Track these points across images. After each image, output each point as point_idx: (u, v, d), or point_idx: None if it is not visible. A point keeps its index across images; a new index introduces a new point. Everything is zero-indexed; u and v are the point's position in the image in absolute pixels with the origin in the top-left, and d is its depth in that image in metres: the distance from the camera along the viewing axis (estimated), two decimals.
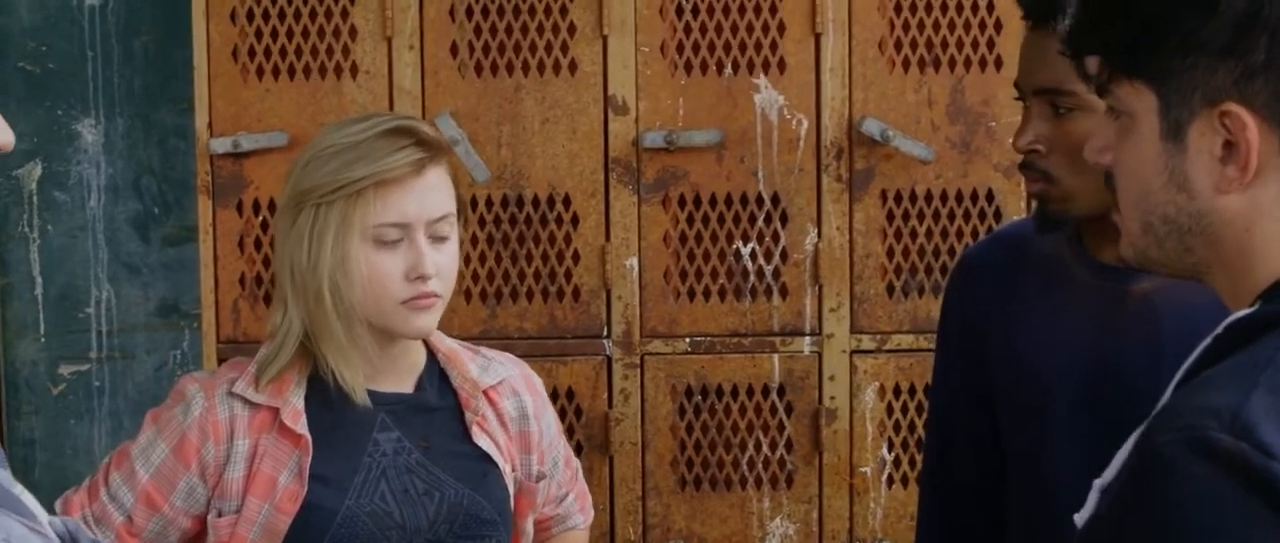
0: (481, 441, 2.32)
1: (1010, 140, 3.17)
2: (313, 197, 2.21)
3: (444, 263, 2.23)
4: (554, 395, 3.24)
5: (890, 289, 3.25)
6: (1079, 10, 1.47)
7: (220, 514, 2.24)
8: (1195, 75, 1.34)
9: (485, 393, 2.35)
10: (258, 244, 3.22)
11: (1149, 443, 1.29)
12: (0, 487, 1.15)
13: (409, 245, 2.21)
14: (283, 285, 2.27)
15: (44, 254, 3.70)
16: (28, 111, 3.66)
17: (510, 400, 2.37)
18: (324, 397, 2.26)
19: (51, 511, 2.29)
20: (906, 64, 3.21)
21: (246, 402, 2.25)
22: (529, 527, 2.40)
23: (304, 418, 2.24)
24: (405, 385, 2.33)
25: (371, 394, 2.28)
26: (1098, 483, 1.44)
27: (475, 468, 2.31)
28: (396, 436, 2.29)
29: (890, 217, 3.23)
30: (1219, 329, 1.38)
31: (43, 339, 3.73)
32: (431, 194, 2.23)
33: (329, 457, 2.25)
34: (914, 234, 3.24)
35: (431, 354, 2.36)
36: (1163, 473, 1.26)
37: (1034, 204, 2.25)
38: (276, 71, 3.20)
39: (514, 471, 2.36)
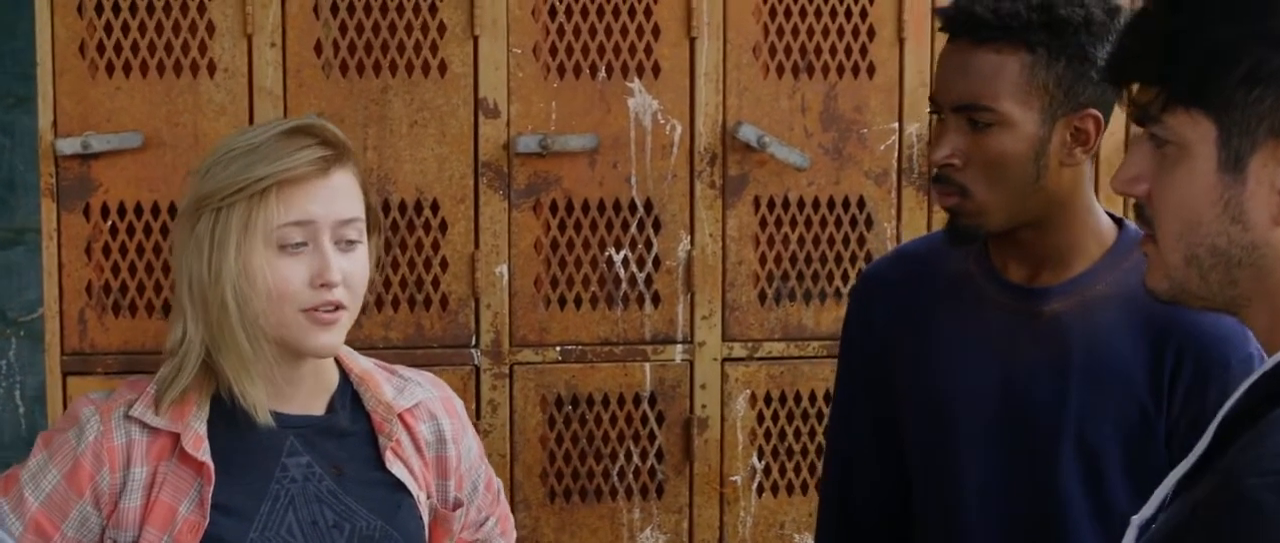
0: (396, 468, 2.22)
1: (881, 147, 3.20)
2: (212, 201, 2.09)
3: (352, 271, 2.12)
4: None
5: (762, 297, 3.22)
6: (1129, 37, 1.45)
7: None
8: (1261, 107, 1.34)
9: (400, 417, 2.25)
10: (107, 250, 3.05)
11: (1235, 485, 1.27)
12: None
13: (314, 251, 2.10)
14: (180, 299, 2.14)
15: None
16: None
17: (426, 424, 2.28)
18: (228, 420, 2.14)
19: None
20: (780, 70, 3.18)
21: (144, 426, 2.12)
22: None
23: (206, 444, 2.12)
24: (315, 407, 2.21)
25: (279, 417, 2.16)
26: (1135, 520, 1.43)
27: (389, 497, 2.21)
28: (307, 460, 2.18)
29: (763, 223, 3.21)
30: (1268, 366, 1.37)
31: None
32: (338, 196, 2.12)
33: (233, 485, 2.13)
34: (786, 241, 3.22)
35: (344, 375, 2.25)
36: (1252, 515, 1.25)
37: (946, 218, 2.24)
38: (128, 68, 3.03)
39: (429, 498, 2.27)
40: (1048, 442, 2.15)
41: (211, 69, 3.05)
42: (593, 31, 3.12)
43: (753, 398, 3.24)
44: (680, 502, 3.24)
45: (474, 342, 3.16)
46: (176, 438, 2.11)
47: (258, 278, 2.07)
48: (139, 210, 3.04)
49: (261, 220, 2.07)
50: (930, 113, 2.22)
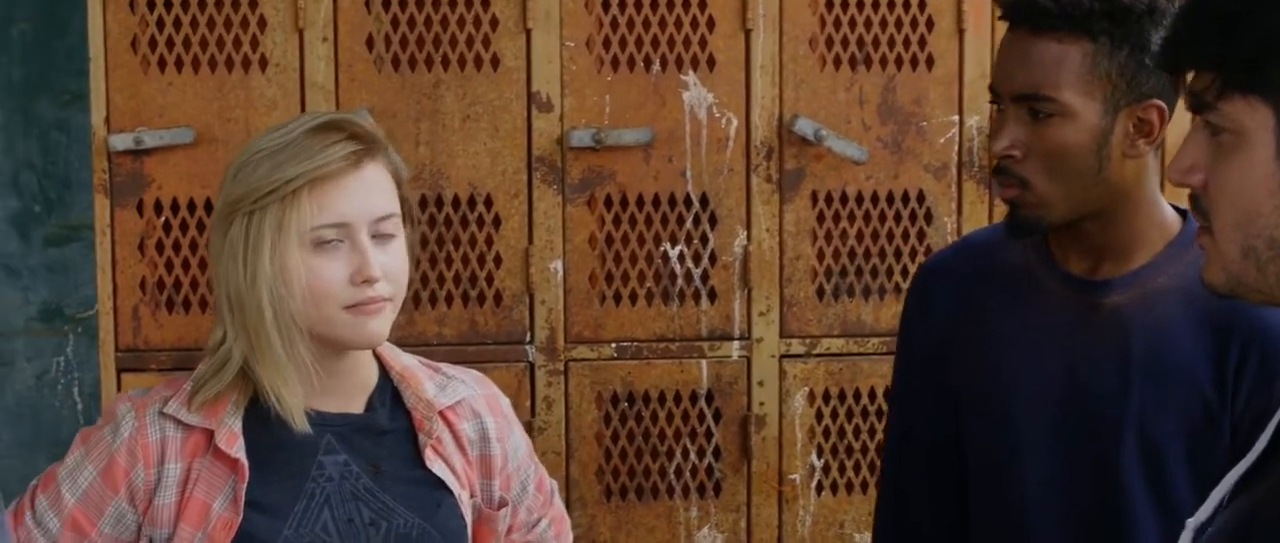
0: (435, 466, 2.18)
1: (940, 140, 3.15)
2: (244, 204, 2.06)
3: (391, 264, 2.08)
4: None
5: (820, 292, 3.18)
6: (1184, 23, 1.40)
7: (150, 542, 2.09)
8: None
9: (442, 414, 2.21)
10: (160, 247, 3.04)
11: None
12: None
13: (352, 247, 2.06)
14: (220, 305, 2.12)
15: None
16: None
17: (469, 422, 2.24)
18: (265, 417, 2.11)
19: None
20: (837, 62, 3.13)
21: (179, 423, 2.10)
22: None
23: (240, 441, 2.09)
24: (354, 406, 2.18)
25: (317, 415, 2.13)
26: (1191, 523, 1.38)
27: (428, 496, 2.17)
28: (344, 459, 2.14)
29: (821, 218, 3.16)
30: None
31: None
32: (372, 192, 2.08)
33: (269, 482, 2.10)
34: (845, 236, 3.17)
35: (384, 372, 2.22)
36: None
37: (1006, 210, 2.19)
38: (180, 64, 3.02)
39: (473, 497, 2.23)
40: (1109, 437, 2.10)
41: (263, 64, 3.03)
42: (646, 24, 3.08)
43: (811, 395, 3.19)
44: (738, 500, 3.19)
45: (528, 338, 3.13)
46: (211, 435, 2.08)
47: (294, 280, 2.04)
48: (191, 206, 3.03)
49: (294, 221, 2.03)
50: (990, 103, 2.17)
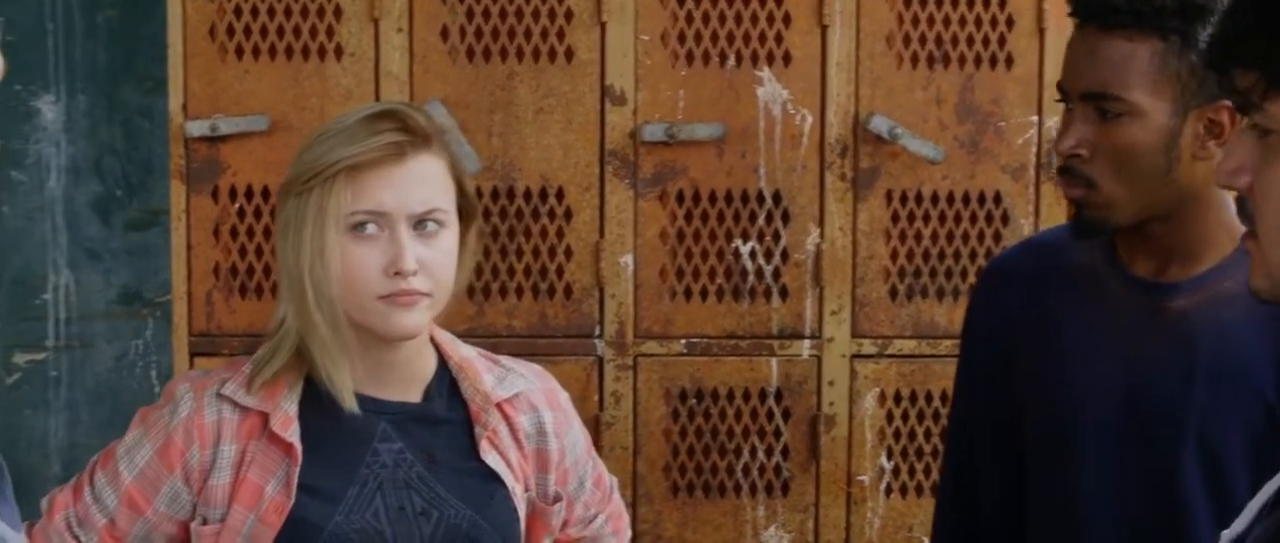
0: (490, 458, 2.18)
1: (1018, 141, 3.11)
2: (295, 185, 2.08)
3: (432, 259, 2.06)
4: None
5: (893, 293, 3.14)
6: (1229, 20, 1.36)
7: (205, 522, 2.10)
8: None
9: (499, 407, 2.21)
10: (234, 233, 3.06)
11: None
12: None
13: (390, 238, 2.06)
14: (280, 283, 2.14)
15: (0, 237, 3.54)
16: None
17: (527, 416, 2.23)
18: (320, 403, 2.12)
19: (37, 510, 2.16)
20: (915, 60, 3.10)
21: (236, 405, 2.11)
22: None
23: (295, 425, 2.10)
24: (411, 395, 2.18)
25: (373, 402, 2.14)
26: (1226, 535, 1.34)
27: (481, 488, 2.17)
28: (398, 447, 2.15)
29: (895, 218, 3.12)
30: None
31: None
32: (415, 184, 2.06)
33: (322, 467, 2.10)
34: (919, 236, 3.13)
35: (443, 363, 2.22)
36: None
37: (1072, 211, 2.15)
38: (256, 51, 3.04)
39: (527, 491, 2.22)
40: (1170, 442, 2.06)
41: (338, 53, 3.05)
42: (722, 19, 3.07)
43: (882, 396, 3.16)
44: (806, 501, 3.17)
45: (598, 332, 3.12)
46: (266, 418, 2.09)
47: (331, 263, 2.05)
48: (265, 193, 3.05)
49: (333, 206, 2.04)
50: (1058, 101, 2.13)
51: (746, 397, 3.15)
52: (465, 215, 2.16)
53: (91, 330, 3.58)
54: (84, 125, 3.52)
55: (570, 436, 2.28)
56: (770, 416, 3.15)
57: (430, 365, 2.20)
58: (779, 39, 3.07)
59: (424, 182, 2.08)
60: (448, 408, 2.19)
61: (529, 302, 3.11)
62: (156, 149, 3.46)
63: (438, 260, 2.07)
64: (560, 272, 3.11)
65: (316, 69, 3.05)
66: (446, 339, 2.24)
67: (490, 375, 2.23)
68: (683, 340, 3.13)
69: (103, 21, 3.50)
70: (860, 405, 3.15)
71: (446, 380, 2.21)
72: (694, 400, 3.14)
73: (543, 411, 2.25)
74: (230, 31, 3.04)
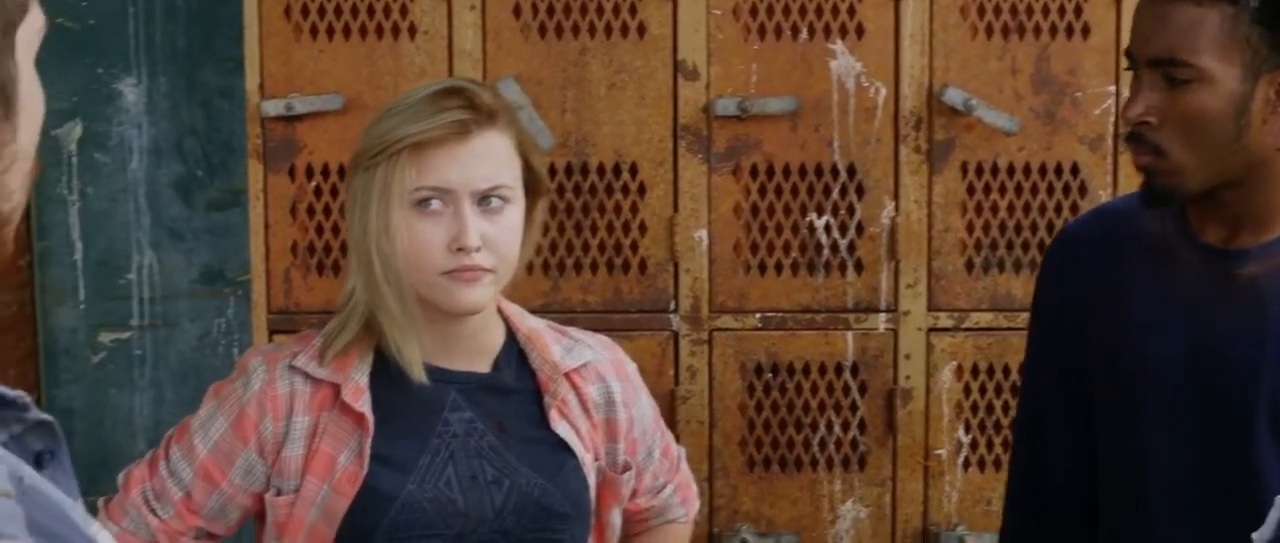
0: (560, 427, 2.19)
1: (1095, 111, 3.07)
2: (363, 160, 2.11)
3: (496, 235, 2.08)
4: None
5: (969, 265, 3.12)
6: None
7: (279, 493, 2.13)
8: None
9: (568, 377, 2.22)
10: (311, 211, 3.09)
11: None
12: (78, 532, 1.03)
13: (453, 214, 2.07)
14: (350, 255, 2.16)
15: (84, 218, 3.59)
16: (67, 69, 3.54)
17: (595, 386, 2.24)
18: (391, 374, 2.14)
19: (103, 479, 2.19)
20: (989, 31, 3.07)
21: (308, 377, 2.14)
22: (615, 519, 2.27)
23: (366, 396, 2.12)
24: (480, 365, 2.19)
25: (443, 373, 2.16)
26: (1257, 536, 1.32)
27: (552, 457, 2.18)
28: (469, 416, 2.16)
29: (970, 190, 3.10)
30: None
31: (82, 306, 3.62)
32: (479, 161, 2.08)
33: (394, 437, 2.12)
34: (995, 208, 3.11)
35: (511, 334, 2.23)
36: None
37: (1141, 179, 2.13)
38: (331, 31, 3.07)
39: (597, 460, 2.23)
40: (1241, 412, 2.04)
41: (412, 31, 3.06)
42: None
43: (959, 370, 3.14)
44: (883, 474, 3.15)
45: (673, 307, 3.12)
46: (338, 389, 2.11)
47: (397, 238, 2.06)
48: (341, 172, 3.07)
49: (398, 181, 2.05)
50: (1126, 68, 2.10)
51: (822, 371, 3.14)
52: (533, 191, 2.17)
53: (175, 310, 3.62)
54: (165, 107, 3.55)
55: (638, 406, 2.29)
56: (846, 390, 3.14)
57: (499, 337, 2.22)
58: (851, 11, 3.06)
59: (488, 158, 2.09)
60: (516, 378, 2.21)
61: (604, 277, 3.12)
62: (236, 129, 3.49)
63: (501, 236, 2.08)
64: (635, 247, 3.11)
65: (391, 48, 3.06)
66: (514, 311, 2.25)
67: (558, 346, 2.24)
68: (758, 315, 3.12)
69: (182, 4, 3.53)
70: (937, 379, 3.13)
71: (515, 351, 2.22)
72: (769, 375, 3.14)
73: (611, 381, 2.26)
74: (305, 11, 3.06)
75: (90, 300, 3.61)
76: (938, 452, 3.14)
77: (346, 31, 3.06)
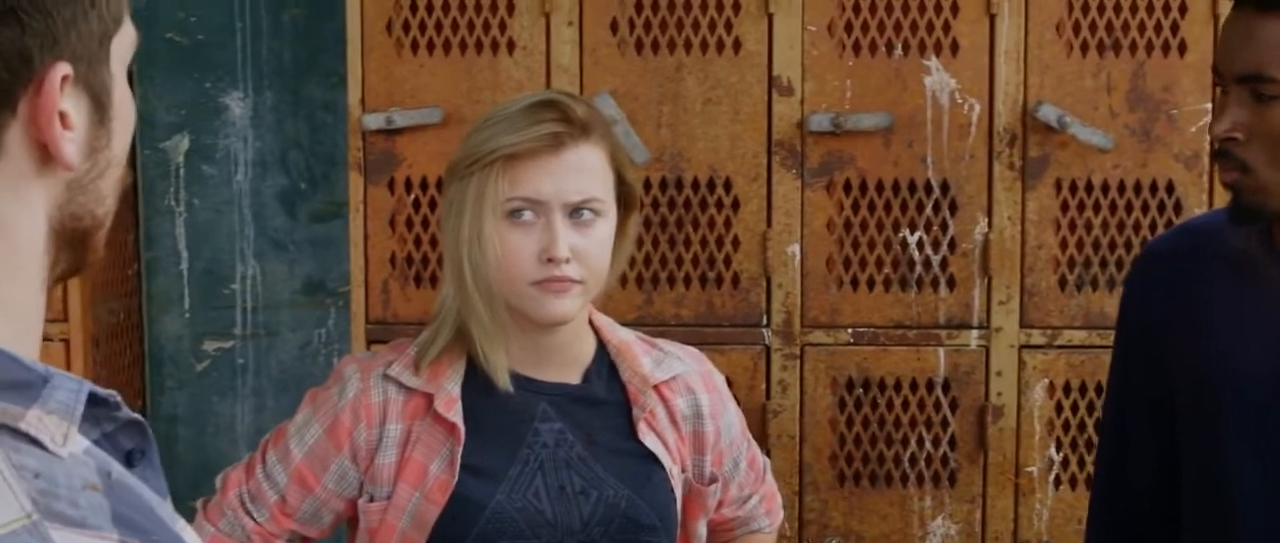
0: (648, 439, 2.21)
1: (1191, 129, 3.06)
2: (458, 170, 2.14)
3: (586, 247, 2.10)
4: None
5: (1063, 283, 3.12)
6: None
7: (371, 499, 2.17)
8: None
9: (657, 389, 2.24)
10: (409, 223, 3.14)
11: None
12: (164, 527, 1.06)
13: (545, 225, 2.10)
14: (444, 263, 2.20)
15: (190, 228, 3.66)
16: (175, 83, 3.62)
17: (684, 398, 2.26)
18: (483, 384, 2.17)
19: (205, 484, 2.24)
20: (1084, 48, 3.07)
21: (401, 386, 2.17)
22: (701, 530, 2.29)
23: (458, 406, 2.15)
24: (570, 376, 2.22)
25: (533, 383, 2.19)
26: None
27: (639, 468, 2.20)
28: (559, 427, 2.19)
29: (1064, 207, 3.10)
30: None
31: (187, 315, 3.69)
32: (571, 174, 2.10)
33: (485, 447, 2.16)
34: (1089, 226, 3.10)
35: (602, 346, 2.26)
36: None
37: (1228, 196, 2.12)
38: (431, 46, 3.12)
39: (684, 472, 2.26)
40: None
41: (510, 47, 3.11)
42: (889, 9, 3.07)
43: (1051, 387, 3.13)
44: (973, 491, 3.16)
45: (765, 321, 3.14)
46: (431, 398, 2.15)
47: (488, 248, 2.10)
48: (439, 185, 3.11)
49: (491, 192, 2.09)
50: (1213, 84, 2.10)
51: (913, 387, 3.15)
52: (625, 204, 2.20)
53: (277, 319, 3.69)
54: (270, 120, 3.62)
55: (726, 418, 2.31)
56: (937, 406, 3.15)
57: (589, 348, 2.24)
58: (946, 28, 3.07)
59: (581, 171, 2.12)
60: (606, 390, 2.23)
61: (697, 291, 3.15)
62: (338, 143, 3.55)
63: (591, 249, 2.11)
64: (728, 261, 3.13)
65: (489, 63, 3.11)
66: (605, 323, 2.28)
67: (648, 358, 2.26)
68: (849, 330, 3.14)
69: (288, 20, 3.60)
70: (1029, 396, 3.13)
71: (605, 363, 2.25)
72: (861, 390, 3.15)
73: (699, 393, 2.28)
74: (406, 27, 3.12)
75: (195, 310, 3.69)
76: (1028, 469, 3.14)
77: (446, 47, 3.11)
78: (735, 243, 3.12)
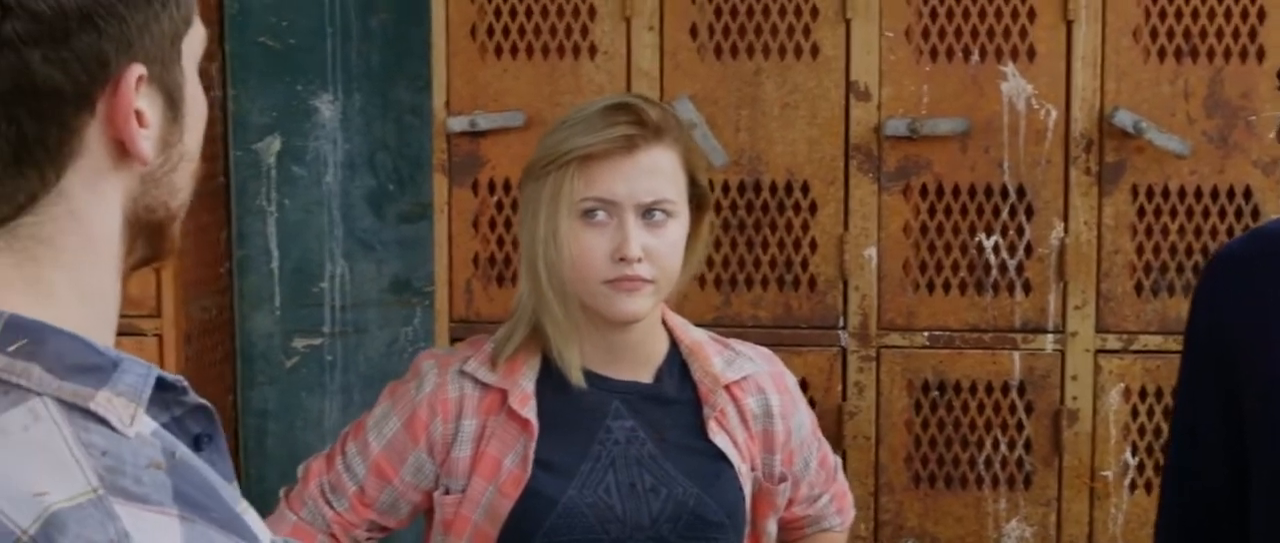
0: (718, 438, 2.25)
1: (1269, 135, 3.06)
2: (534, 170, 2.19)
3: (658, 247, 2.15)
4: None
5: (1139, 288, 3.13)
6: None
7: (447, 492, 2.22)
8: None
9: (727, 389, 2.28)
10: (493, 224, 3.20)
11: None
12: (224, 506, 1.12)
13: (618, 225, 2.15)
14: (521, 262, 2.26)
15: (281, 228, 3.74)
16: (268, 87, 3.70)
17: (754, 398, 2.30)
18: (557, 381, 2.22)
19: (293, 477, 2.31)
20: (1162, 54, 3.08)
21: (477, 382, 2.23)
22: (771, 528, 2.33)
23: (533, 402, 2.21)
24: (643, 375, 2.27)
25: (606, 382, 2.24)
26: None
27: (708, 467, 2.25)
28: (631, 425, 2.24)
29: (1141, 212, 3.11)
30: None
31: (278, 312, 3.77)
32: (644, 176, 2.16)
33: (558, 443, 2.21)
34: (1166, 231, 3.11)
35: (675, 345, 2.31)
36: None
37: None
38: (515, 50, 3.18)
39: (753, 471, 2.30)
40: None
41: (592, 51, 3.16)
42: (966, 15, 3.09)
43: (1127, 392, 3.14)
44: (1048, 495, 3.17)
45: (841, 323, 3.17)
46: (505, 395, 2.21)
47: (563, 247, 2.15)
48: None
49: (566, 192, 2.14)
50: (1277, 89, 2.12)
51: (989, 390, 3.17)
52: (698, 206, 2.24)
53: (364, 318, 3.77)
54: (359, 123, 3.70)
55: (796, 418, 2.35)
56: (1012, 409, 3.17)
57: (662, 347, 2.29)
58: (1023, 34, 3.09)
59: (654, 173, 2.17)
60: (678, 389, 2.28)
61: (774, 293, 3.19)
62: (424, 145, 3.62)
63: (663, 249, 2.16)
64: (805, 264, 3.17)
65: (571, 67, 3.17)
66: (678, 323, 2.33)
67: (719, 358, 2.30)
68: (925, 333, 3.16)
69: (376, 25, 3.67)
70: (1104, 401, 3.14)
71: (677, 362, 2.29)
72: (936, 392, 3.17)
73: (770, 393, 2.31)
74: (490, 32, 3.18)
75: (285, 307, 3.77)
76: (1104, 474, 3.15)
77: (529, 51, 3.17)
78: (813, 246, 3.16)
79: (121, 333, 3.40)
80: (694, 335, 2.33)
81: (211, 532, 1.07)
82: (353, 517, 2.28)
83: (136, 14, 1.11)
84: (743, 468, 2.27)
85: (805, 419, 2.38)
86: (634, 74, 3.15)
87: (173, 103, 1.16)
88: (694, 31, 3.15)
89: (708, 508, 2.22)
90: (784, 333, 3.17)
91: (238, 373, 3.78)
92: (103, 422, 1.09)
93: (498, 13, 3.18)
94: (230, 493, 1.18)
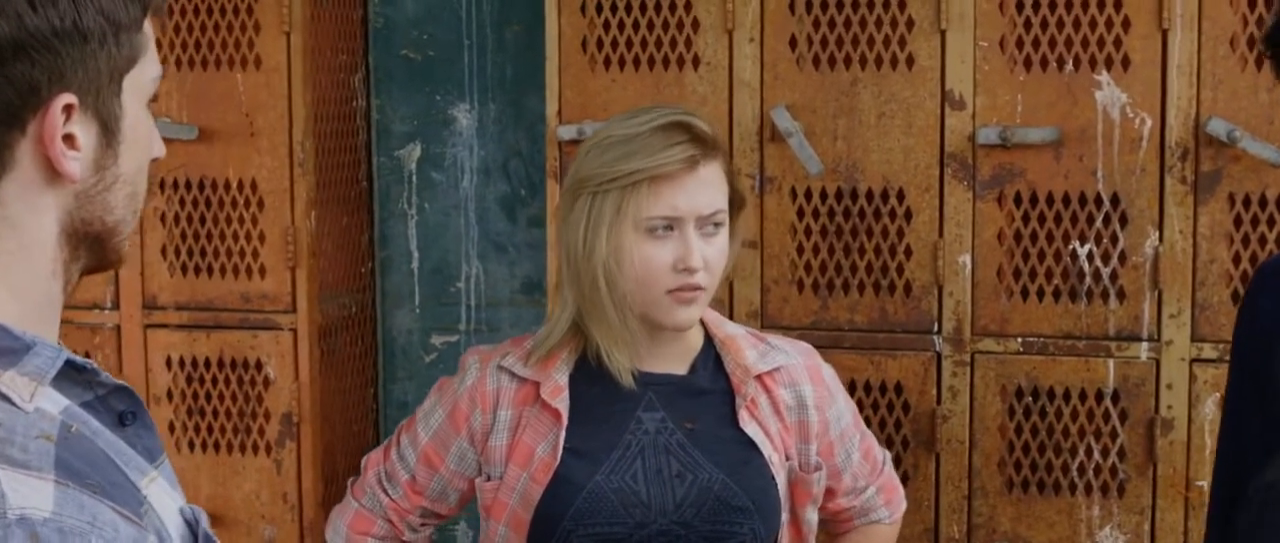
0: (749, 427, 2.35)
1: None
2: (589, 185, 2.30)
3: (712, 256, 2.28)
4: (882, 389, 3.24)
5: (1235, 297, 3.11)
6: None
7: (488, 479, 2.37)
8: None
9: (760, 379, 2.38)
10: None
11: None
12: (112, 476, 1.27)
13: (679, 237, 2.27)
14: (562, 268, 2.37)
15: (421, 230, 3.92)
16: (409, 96, 3.88)
17: (787, 389, 2.39)
18: (591, 373, 2.35)
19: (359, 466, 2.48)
20: (1259, 62, 3.06)
21: (513, 375, 2.37)
22: (810, 516, 2.41)
23: (564, 394, 2.33)
24: (678, 368, 2.38)
25: (641, 375, 2.35)
26: None
27: (738, 454, 2.34)
28: (661, 416, 2.35)
29: (1237, 221, 3.10)
30: None
31: (417, 310, 3.95)
32: (703, 190, 2.28)
33: (589, 432, 2.33)
34: (1263, 240, 3.09)
35: (709, 338, 2.41)
36: None
37: None
38: (622, 62, 3.30)
39: (788, 460, 2.38)
40: None
41: (696, 63, 3.27)
42: (1060, 24, 3.12)
43: (1222, 402, 3.13)
44: (1142, 503, 3.18)
45: (936, 329, 3.22)
46: (538, 386, 2.34)
47: (626, 261, 2.27)
48: None
49: (632, 210, 2.26)
50: None
51: (1083, 397, 3.18)
52: (734, 207, 2.36)
53: (498, 316, 3.92)
54: (494, 131, 3.86)
55: (833, 409, 2.43)
56: (1107, 417, 3.18)
57: (698, 341, 2.41)
58: (1118, 43, 3.10)
59: (710, 186, 2.29)
60: (711, 380, 2.39)
61: (870, 298, 3.25)
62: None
63: (716, 257, 2.30)
64: (900, 270, 3.23)
65: (676, 78, 3.28)
66: (713, 318, 2.43)
67: (753, 351, 2.41)
68: (1019, 339, 3.19)
69: (510, 36, 3.82)
70: (1199, 410, 3.14)
71: (712, 355, 2.41)
72: (1030, 398, 3.20)
73: (803, 385, 2.40)
74: (599, 44, 3.31)
75: (424, 306, 3.95)
76: (1199, 483, 3.14)
77: (636, 62, 3.29)
78: (908, 252, 3.22)
79: (258, 327, 3.62)
80: (729, 330, 2.43)
81: (83, 496, 1.22)
82: (406, 504, 2.43)
83: (72, 49, 1.27)
84: (775, 457, 2.36)
85: (845, 411, 2.46)
86: (735, 84, 3.25)
87: (107, 130, 1.32)
88: (793, 43, 3.23)
89: (732, 493, 2.31)
90: (879, 337, 3.23)
91: (379, 367, 3.97)
92: (5, 398, 1.25)
93: (607, 26, 3.30)
94: (138, 465, 1.33)
